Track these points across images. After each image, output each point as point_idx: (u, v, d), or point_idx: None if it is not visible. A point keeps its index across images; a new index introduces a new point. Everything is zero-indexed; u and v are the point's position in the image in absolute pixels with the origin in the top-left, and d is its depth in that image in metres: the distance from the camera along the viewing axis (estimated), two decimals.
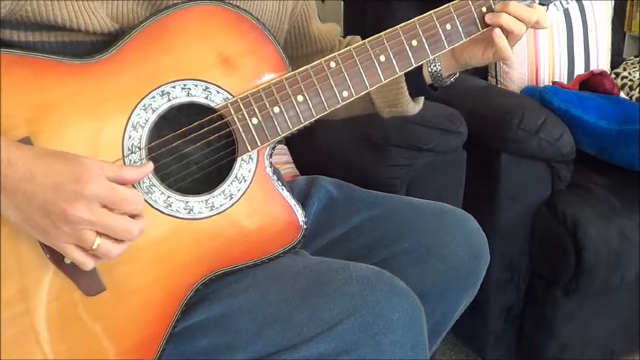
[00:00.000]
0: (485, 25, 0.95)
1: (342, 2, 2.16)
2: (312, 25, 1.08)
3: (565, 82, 1.83)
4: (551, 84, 1.78)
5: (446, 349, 1.79)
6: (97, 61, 0.79)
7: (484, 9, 0.94)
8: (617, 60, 2.04)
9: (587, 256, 1.44)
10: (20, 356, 0.76)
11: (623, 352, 1.73)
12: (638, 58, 2.02)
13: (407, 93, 1.03)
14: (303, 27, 1.07)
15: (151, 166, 0.79)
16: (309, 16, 1.07)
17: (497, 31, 0.94)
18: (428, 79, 1.04)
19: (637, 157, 1.51)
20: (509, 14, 0.93)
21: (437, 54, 0.93)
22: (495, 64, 1.82)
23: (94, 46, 0.81)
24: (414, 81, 1.02)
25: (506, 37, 0.95)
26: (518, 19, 0.94)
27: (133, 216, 0.74)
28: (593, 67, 1.89)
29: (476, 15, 0.94)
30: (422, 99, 1.09)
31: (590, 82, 1.74)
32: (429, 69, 1.03)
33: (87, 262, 0.73)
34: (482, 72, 1.84)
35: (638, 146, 1.49)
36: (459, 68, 1.04)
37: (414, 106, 1.07)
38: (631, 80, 1.91)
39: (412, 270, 0.97)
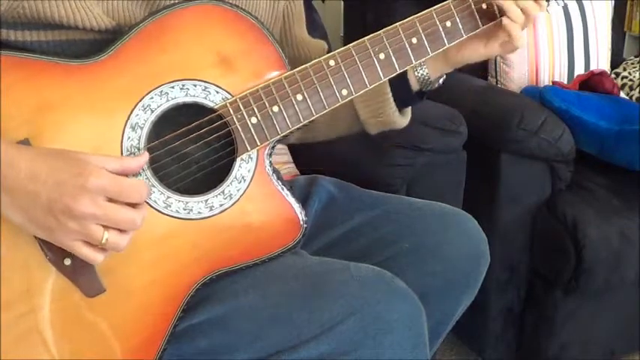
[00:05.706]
0: (486, 21, 0.95)
1: (342, 2, 2.15)
2: (295, 29, 1.06)
3: (565, 82, 1.83)
4: (551, 84, 1.78)
5: (446, 349, 1.78)
6: (95, 61, 0.79)
7: (484, 5, 0.94)
8: (617, 60, 2.04)
9: (587, 256, 1.44)
10: (26, 357, 0.76)
11: (623, 352, 1.73)
12: (638, 58, 2.02)
13: (392, 101, 1.00)
14: (285, 29, 1.05)
15: (146, 154, 0.79)
16: (294, 20, 1.05)
17: (506, 20, 0.93)
18: (415, 85, 1.01)
19: (637, 157, 1.51)
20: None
21: (437, 51, 0.93)
22: (495, 64, 1.82)
23: (92, 45, 0.81)
24: (400, 88, 1.00)
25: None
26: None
27: (134, 205, 0.74)
28: (593, 67, 1.89)
29: (476, 11, 0.94)
30: (409, 111, 1.06)
31: (590, 82, 1.74)
32: (416, 74, 1.00)
33: (96, 257, 0.73)
34: (482, 72, 1.83)
35: (638, 146, 1.49)
36: (450, 68, 1.01)
37: (401, 118, 1.04)
38: (631, 80, 1.91)
39: (412, 271, 0.96)
